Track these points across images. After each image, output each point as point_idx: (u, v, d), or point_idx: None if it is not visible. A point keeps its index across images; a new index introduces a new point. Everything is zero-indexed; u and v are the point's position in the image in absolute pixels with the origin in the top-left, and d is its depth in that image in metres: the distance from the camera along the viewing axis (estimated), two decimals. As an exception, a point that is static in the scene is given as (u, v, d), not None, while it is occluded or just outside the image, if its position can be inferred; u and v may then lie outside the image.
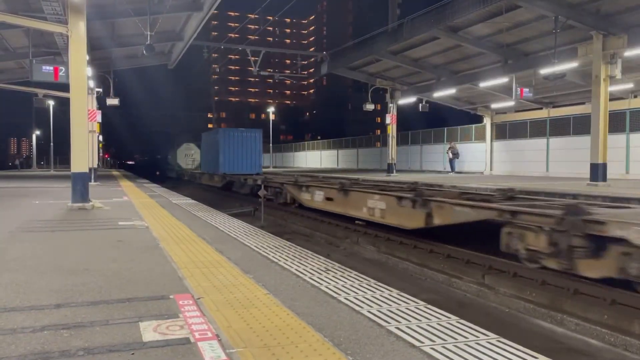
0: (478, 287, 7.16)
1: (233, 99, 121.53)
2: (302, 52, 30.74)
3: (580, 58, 15.53)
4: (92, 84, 18.44)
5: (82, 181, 9.83)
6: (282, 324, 3.12)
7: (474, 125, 29.06)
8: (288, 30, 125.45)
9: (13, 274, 4.38)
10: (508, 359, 2.65)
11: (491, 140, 27.34)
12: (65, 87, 10.91)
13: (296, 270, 4.66)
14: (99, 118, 19.93)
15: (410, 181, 15.04)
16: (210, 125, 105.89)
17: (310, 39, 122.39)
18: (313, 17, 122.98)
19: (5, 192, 14.93)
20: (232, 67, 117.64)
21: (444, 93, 23.69)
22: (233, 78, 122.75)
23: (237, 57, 75.72)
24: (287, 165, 56.83)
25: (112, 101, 22.67)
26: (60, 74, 10.34)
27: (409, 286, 7.17)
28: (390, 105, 25.79)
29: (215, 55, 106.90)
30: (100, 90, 21.65)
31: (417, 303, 3.68)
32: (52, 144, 43.64)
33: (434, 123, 33.76)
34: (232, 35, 71.89)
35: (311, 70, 60.75)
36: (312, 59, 64.74)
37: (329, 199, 12.15)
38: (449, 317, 3.34)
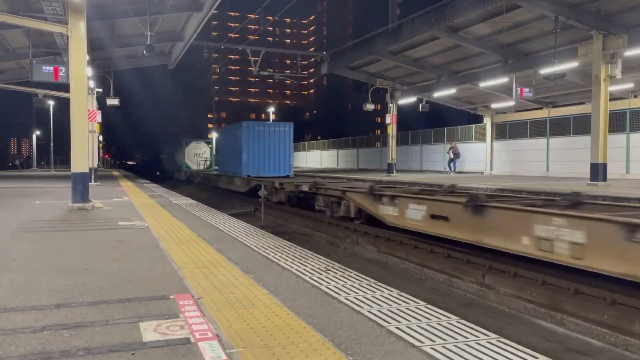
0: (478, 287, 7.16)
1: (233, 99, 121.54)
2: (302, 52, 30.75)
3: (581, 58, 15.52)
4: (92, 84, 18.45)
5: (82, 181, 9.84)
6: (282, 324, 3.12)
7: (474, 125, 29.05)
8: (288, 30, 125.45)
9: (13, 274, 4.39)
10: (508, 359, 2.65)
11: (491, 140, 27.33)
12: (65, 87, 10.92)
13: (296, 270, 4.66)
14: (99, 118, 19.94)
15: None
16: (210, 125, 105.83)
17: (311, 39, 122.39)
18: (313, 17, 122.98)
19: (5, 192, 14.94)
20: (232, 67, 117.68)
21: (444, 93, 23.68)
22: (233, 78, 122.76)
23: (237, 57, 75.80)
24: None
25: (112, 101, 22.67)
26: (61, 74, 10.33)
27: (409, 286, 7.18)
28: (390, 105, 25.79)
29: (216, 55, 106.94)
30: (101, 90, 21.65)
31: (417, 303, 3.68)
32: (52, 144, 43.63)
33: (434, 123, 33.75)
34: (232, 35, 71.94)
35: (311, 70, 60.79)
36: (312, 59, 64.76)
37: (438, 217, 8.15)
38: (449, 317, 3.34)
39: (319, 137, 69.77)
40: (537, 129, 24.52)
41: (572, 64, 16.11)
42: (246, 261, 5.02)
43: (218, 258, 5.17)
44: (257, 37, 78.78)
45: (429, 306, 3.60)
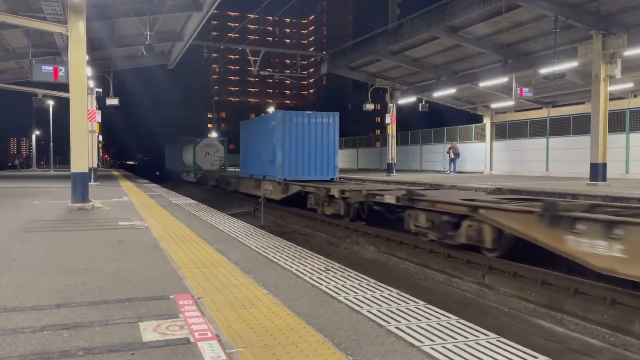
0: (478, 287, 7.16)
1: (233, 99, 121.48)
2: (302, 52, 30.79)
3: (580, 58, 15.53)
4: (91, 83, 18.44)
5: (82, 181, 9.84)
6: (282, 324, 3.12)
7: (473, 125, 29.06)
8: (288, 30, 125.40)
9: (13, 274, 4.39)
10: (508, 359, 2.65)
11: (491, 140, 27.34)
12: (65, 87, 10.91)
13: (296, 270, 4.66)
14: (98, 118, 19.93)
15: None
16: (210, 125, 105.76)
17: (310, 39, 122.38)
18: (313, 16, 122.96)
19: (5, 192, 14.93)
20: (232, 67, 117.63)
21: (443, 93, 23.69)
22: (233, 78, 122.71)
23: (237, 57, 75.77)
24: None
25: (112, 101, 22.66)
26: (60, 74, 10.33)
27: (409, 286, 7.17)
28: (390, 105, 25.80)
29: (215, 55, 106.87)
30: (100, 90, 21.65)
31: (417, 303, 3.68)
32: (51, 144, 43.62)
33: (433, 123, 33.77)
34: (232, 35, 71.90)
35: (311, 70, 60.79)
36: (312, 59, 64.78)
37: None
38: (449, 317, 3.35)
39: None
40: (537, 129, 24.53)
41: (572, 64, 16.12)
42: (246, 261, 5.02)
43: (218, 258, 5.17)
44: (256, 37, 78.75)
45: (429, 306, 3.60)
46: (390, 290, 4.00)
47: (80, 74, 9.74)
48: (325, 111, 16.36)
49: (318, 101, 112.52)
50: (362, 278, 4.41)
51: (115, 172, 37.96)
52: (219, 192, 25.02)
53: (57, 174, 30.08)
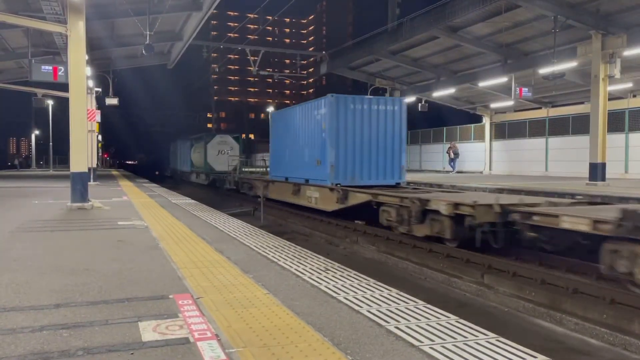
0: (477, 287, 7.16)
1: (232, 99, 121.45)
2: (301, 52, 30.76)
3: (580, 57, 15.55)
4: (91, 83, 18.43)
5: (81, 181, 9.83)
6: (281, 323, 3.12)
7: (473, 125, 29.07)
8: (288, 30, 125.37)
9: (13, 274, 4.39)
10: (507, 359, 2.65)
11: (490, 140, 27.35)
12: (64, 87, 10.91)
13: (296, 270, 4.66)
14: (98, 118, 19.92)
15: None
16: (209, 125, 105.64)
17: (310, 39, 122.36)
18: (313, 16, 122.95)
19: (4, 192, 14.93)
20: (232, 67, 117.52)
21: (443, 93, 23.70)
22: (232, 78, 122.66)
23: (236, 56, 75.69)
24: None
25: (112, 101, 22.64)
26: (60, 73, 10.34)
27: (409, 286, 7.18)
28: (390, 104, 25.75)
29: (215, 55, 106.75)
30: (100, 89, 21.64)
31: (417, 302, 3.68)
32: (51, 143, 43.59)
33: (433, 123, 33.77)
34: (232, 34, 71.84)
35: (311, 69, 60.78)
36: (312, 59, 64.79)
37: None
38: (448, 317, 3.35)
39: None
40: (536, 129, 24.54)
41: (571, 64, 16.14)
42: (245, 261, 5.02)
43: (217, 258, 5.17)
44: (256, 37, 78.72)
45: (428, 306, 3.60)
46: (390, 290, 4.00)
47: (79, 74, 9.74)
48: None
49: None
50: (362, 278, 4.42)
51: (114, 172, 37.95)
52: (219, 192, 24.96)
53: (57, 174, 30.08)
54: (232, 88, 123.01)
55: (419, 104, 25.98)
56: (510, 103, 23.88)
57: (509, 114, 26.66)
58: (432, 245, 8.97)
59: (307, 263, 4.99)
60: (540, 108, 24.91)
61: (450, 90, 23.16)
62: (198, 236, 6.58)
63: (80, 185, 9.81)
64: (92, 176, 17.60)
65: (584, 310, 5.81)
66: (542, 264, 7.52)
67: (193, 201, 12.35)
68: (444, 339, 2.91)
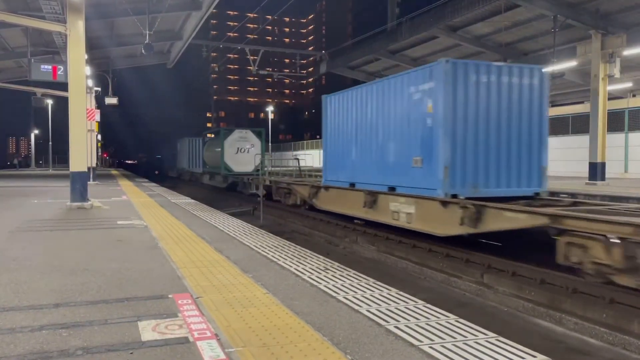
0: (477, 286, 7.16)
1: (232, 98, 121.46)
2: (301, 51, 30.71)
3: (579, 57, 15.54)
4: (90, 83, 18.42)
5: (81, 180, 9.83)
6: (281, 323, 3.12)
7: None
8: (287, 30, 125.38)
9: (12, 273, 4.38)
10: (507, 358, 2.65)
11: (490, 140, 27.31)
12: (64, 86, 10.90)
13: (295, 269, 4.66)
14: (97, 117, 19.91)
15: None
16: (209, 125, 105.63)
17: (310, 38, 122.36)
18: (312, 16, 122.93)
19: (4, 191, 14.92)
20: (231, 67, 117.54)
21: (443, 92, 23.66)
22: (232, 77, 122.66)
23: (236, 56, 75.70)
24: (288, 165, 56.31)
25: (111, 100, 22.65)
26: (59, 73, 10.32)
27: (408, 285, 7.18)
28: (390, 104, 25.75)
29: (215, 54, 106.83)
30: (99, 89, 21.63)
31: (416, 302, 3.68)
32: (50, 143, 43.59)
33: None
34: (231, 34, 71.82)
35: (310, 69, 60.80)
36: (312, 58, 64.82)
37: None
38: (448, 316, 3.34)
39: (318, 137, 69.84)
40: (536, 128, 24.51)
41: (571, 63, 16.14)
42: (245, 260, 5.02)
43: (217, 257, 5.16)
44: (256, 36, 78.74)
45: (428, 305, 3.60)
46: (390, 290, 4.00)
47: (79, 73, 9.74)
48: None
49: (317, 100, 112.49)
50: (361, 277, 4.41)
51: (114, 172, 37.95)
52: (219, 192, 24.91)
53: (56, 173, 30.06)
54: (232, 87, 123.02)
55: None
56: (509, 103, 23.86)
57: (508, 114, 26.64)
58: (432, 245, 8.97)
59: (307, 262, 4.98)
60: (539, 108, 24.90)
61: (450, 90, 23.14)
62: (197, 236, 6.57)
63: (79, 185, 9.81)
64: (91, 176, 17.60)
65: (584, 310, 5.81)
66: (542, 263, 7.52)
67: (192, 201, 12.34)
68: (444, 339, 2.90)
